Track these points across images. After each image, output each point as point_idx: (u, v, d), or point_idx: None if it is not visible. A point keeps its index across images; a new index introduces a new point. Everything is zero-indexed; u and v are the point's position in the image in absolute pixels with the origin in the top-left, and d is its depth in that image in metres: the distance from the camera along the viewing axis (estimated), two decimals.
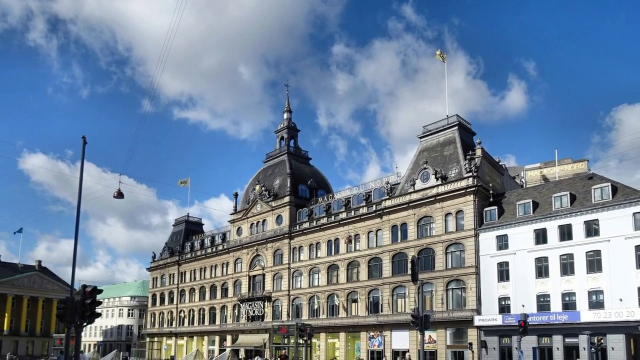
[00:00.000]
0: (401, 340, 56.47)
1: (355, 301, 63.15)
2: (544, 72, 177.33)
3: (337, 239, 66.46)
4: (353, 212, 65.34)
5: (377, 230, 61.83)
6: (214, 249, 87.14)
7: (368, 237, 62.88)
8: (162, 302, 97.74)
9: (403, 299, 57.87)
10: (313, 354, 64.89)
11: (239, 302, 78.53)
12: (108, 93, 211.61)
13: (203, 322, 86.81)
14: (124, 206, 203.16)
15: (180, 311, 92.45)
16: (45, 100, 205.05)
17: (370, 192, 65.36)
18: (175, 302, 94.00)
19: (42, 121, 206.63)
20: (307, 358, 56.85)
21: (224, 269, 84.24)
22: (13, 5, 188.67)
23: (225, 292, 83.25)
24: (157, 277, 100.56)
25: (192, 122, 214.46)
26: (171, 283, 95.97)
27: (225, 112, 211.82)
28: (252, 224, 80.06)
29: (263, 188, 78.76)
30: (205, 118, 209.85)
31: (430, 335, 52.53)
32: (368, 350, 60.16)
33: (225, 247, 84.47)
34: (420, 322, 27.71)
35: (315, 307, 67.70)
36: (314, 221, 69.86)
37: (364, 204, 64.57)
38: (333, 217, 67.47)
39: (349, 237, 64.63)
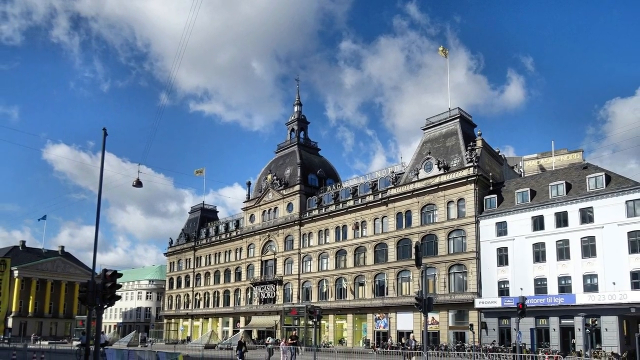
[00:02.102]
0: (406, 321, 57.03)
1: (362, 284, 63.70)
2: (541, 67, 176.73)
3: (344, 226, 66.92)
4: (360, 200, 65.73)
5: (382, 217, 62.23)
6: (228, 235, 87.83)
7: (374, 223, 63.30)
8: (179, 285, 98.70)
9: (407, 283, 58.34)
10: (322, 335, 65.60)
11: (251, 286, 79.29)
12: (127, 87, 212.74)
13: (218, 305, 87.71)
14: (142, 194, 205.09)
15: (196, 294, 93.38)
16: (68, 94, 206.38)
17: (376, 181, 65.71)
18: (191, 285, 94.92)
19: (64, 114, 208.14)
20: (316, 339, 57.63)
21: (238, 254, 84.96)
22: (38, 3, 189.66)
23: (238, 276, 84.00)
24: (174, 262, 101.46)
25: (207, 115, 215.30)
26: (187, 267, 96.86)
27: (239, 106, 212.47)
28: (264, 212, 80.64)
29: (275, 177, 79.23)
30: (220, 111, 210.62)
31: (433, 317, 52.96)
32: (374, 331, 60.77)
33: (238, 233, 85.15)
34: (424, 304, 28.00)
35: (324, 290, 68.31)
36: (323, 208, 70.30)
37: (370, 193, 64.95)
38: (341, 204, 67.88)
39: (356, 223, 65.03)
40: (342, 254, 66.60)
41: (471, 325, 50.31)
